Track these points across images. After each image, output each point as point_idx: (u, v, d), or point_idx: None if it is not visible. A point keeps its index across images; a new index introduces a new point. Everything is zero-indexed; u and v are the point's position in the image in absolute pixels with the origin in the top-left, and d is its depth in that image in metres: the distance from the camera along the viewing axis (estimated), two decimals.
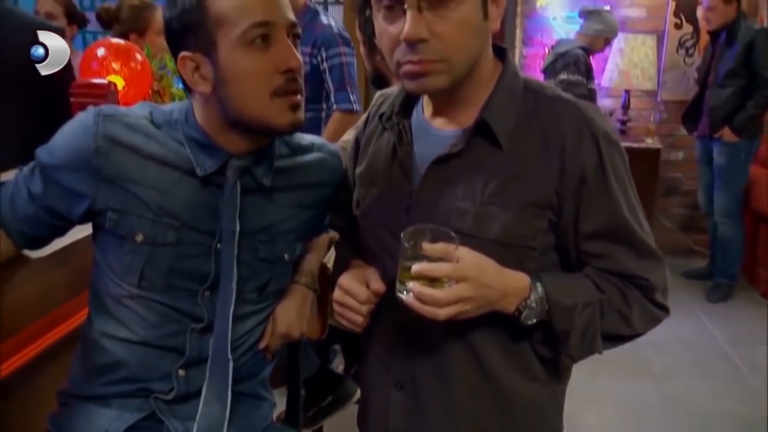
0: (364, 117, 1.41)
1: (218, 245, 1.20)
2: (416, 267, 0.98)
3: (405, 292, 1.00)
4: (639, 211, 1.13)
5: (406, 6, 0.99)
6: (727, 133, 3.86)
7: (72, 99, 1.96)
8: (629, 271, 1.11)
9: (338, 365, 2.58)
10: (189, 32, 1.12)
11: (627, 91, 4.50)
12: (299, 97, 1.14)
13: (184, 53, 1.14)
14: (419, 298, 0.98)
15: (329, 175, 1.34)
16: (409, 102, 1.20)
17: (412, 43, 1.00)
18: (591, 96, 3.95)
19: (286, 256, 1.29)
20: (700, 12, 4.46)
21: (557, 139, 1.06)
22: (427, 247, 0.99)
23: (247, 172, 1.21)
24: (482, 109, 1.09)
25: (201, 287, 1.21)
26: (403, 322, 1.11)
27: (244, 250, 1.22)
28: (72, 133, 1.19)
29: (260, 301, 1.29)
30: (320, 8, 3.00)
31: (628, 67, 4.33)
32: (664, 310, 1.15)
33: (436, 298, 0.98)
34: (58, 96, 2.08)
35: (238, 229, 1.20)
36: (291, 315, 1.33)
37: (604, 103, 4.54)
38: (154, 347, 1.21)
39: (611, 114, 4.60)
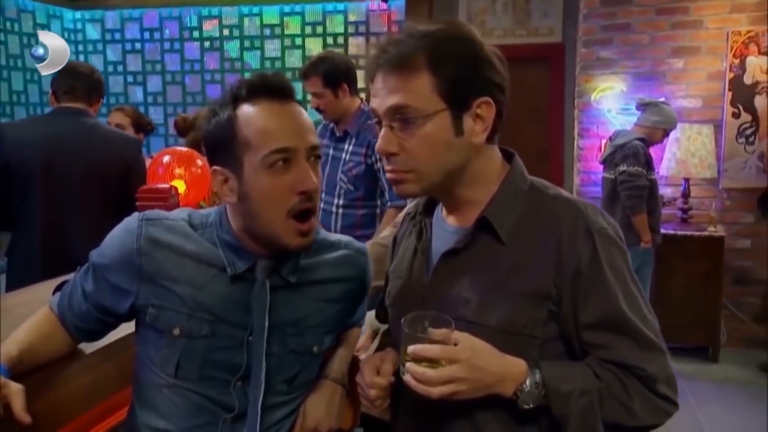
0: (401, 216, 1.54)
1: (249, 338, 1.29)
2: (411, 348, 1.07)
3: (406, 374, 1.09)
4: (642, 303, 1.17)
5: (382, 124, 1.16)
6: None
7: (138, 203, 2.14)
8: (627, 362, 1.13)
9: None
10: (221, 149, 1.26)
11: (686, 180, 4.47)
12: (311, 222, 1.25)
13: (215, 167, 1.28)
14: (414, 376, 1.07)
15: (355, 271, 1.43)
16: (431, 203, 1.32)
17: (386, 155, 1.16)
18: (652, 186, 3.97)
19: (315, 348, 1.37)
20: (759, 101, 4.46)
21: (554, 234, 1.15)
22: (429, 331, 1.08)
23: (274, 271, 1.31)
24: (485, 207, 1.19)
25: (233, 377, 1.29)
26: (418, 404, 1.18)
27: (273, 342, 1.30)
28: (119, 236, 1.33)
29: (290, 392, 1.36)
30: None
31: (685, 156, 4.33)
32: (670, 402, 1.16)
33: (427, 377, 1.06)
34: (132, 198, 2.29)
35: (267, 324, 1.29)
36: (320, 410, 1.38)
37: (664, 192, 4.51)
38: None
39: (671, 202, 4.57)
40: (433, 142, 1.13)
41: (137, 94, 6.25)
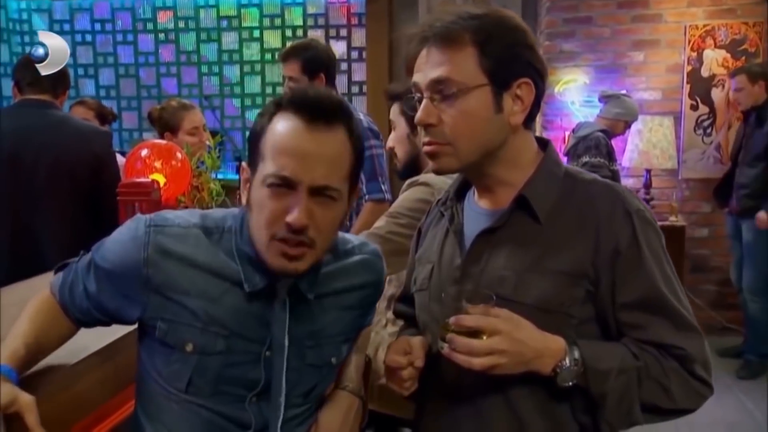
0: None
1: (267, 352, 1.21)
2: (453, 318, 1.08)
3: (444, 347, 1.09)
4: (677, 284, 1.19)
5: (423, 96, 1.17)
6: (762, 220, 3.81)
7: (119, 198, 2.06)
8: (666, 342, 1.14)
9: None
10: (252, 147, 1.19)
11: (648, 171, 4.56)
12: (297, 249, 1.13)
13: (244, 163, 1.23)
14: (456, 347, 1.07)
15: (372, 276, 1.35)
16: (462, 189, 1.33)
17: (425, 126, 1.18)
18: (614, 177, 4.00)
19: (333, 360, 1.30)
20: (715, 93, 4.58)
21: (592, 215, 1.16)
22: (467, 306, 1.09)
23: (293, 287, 1.23)
24: (523, 187, 1.20)
25: (249, 393, 1.21)
26: (450, 384, 1.20)
27: (292, 356, 1.23)
28: (123, 242, 1.22)
29: (304, 404, 1.28)
30: (350, 104, 3.14)
31: (647, 147, 4.42)
32: (706, 384, 1.16)
33: (470, 347, 1.06)
34: (106, 194, 2.21)
35: (287, 343, 1.21)
36: (335, 423, 1.32)
37: (627, 182, 4.59)
38: None
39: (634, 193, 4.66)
40: (472, 115, 1.16)
41: (89, 88, 6.02)
